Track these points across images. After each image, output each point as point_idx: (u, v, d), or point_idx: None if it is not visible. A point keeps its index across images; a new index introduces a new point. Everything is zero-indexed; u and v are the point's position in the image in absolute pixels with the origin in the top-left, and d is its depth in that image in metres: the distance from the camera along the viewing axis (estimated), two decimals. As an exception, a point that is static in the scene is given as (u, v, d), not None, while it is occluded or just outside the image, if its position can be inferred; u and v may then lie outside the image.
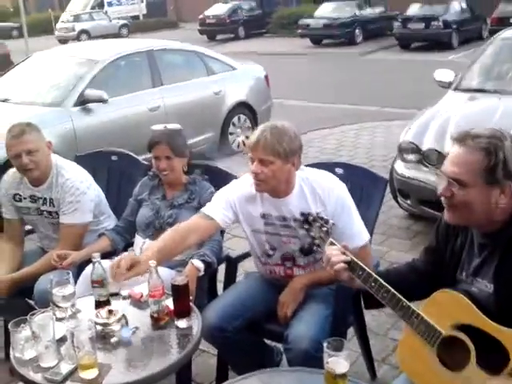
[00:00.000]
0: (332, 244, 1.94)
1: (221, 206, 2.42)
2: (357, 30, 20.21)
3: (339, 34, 20.00)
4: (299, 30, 20.95)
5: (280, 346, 2.61)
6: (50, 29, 29.69)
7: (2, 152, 4.71)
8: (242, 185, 2.48)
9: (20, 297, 2.87)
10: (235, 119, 7.33)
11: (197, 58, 7.18)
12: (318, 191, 2.36)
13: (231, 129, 7.31)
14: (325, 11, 20.97)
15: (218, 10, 24.86)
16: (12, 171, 3.08)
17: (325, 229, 2.01)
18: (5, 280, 2.80)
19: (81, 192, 2.92)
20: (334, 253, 1.89)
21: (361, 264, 1.84)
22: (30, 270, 2.85)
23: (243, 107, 7.39)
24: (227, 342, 2.40)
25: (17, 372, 1.94)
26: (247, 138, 7.42)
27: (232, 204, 2.44)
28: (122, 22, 29.68)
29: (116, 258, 2.22)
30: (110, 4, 32.27)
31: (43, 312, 2.04)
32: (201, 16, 24.86)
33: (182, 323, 2.11)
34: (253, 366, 2.02)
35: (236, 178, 2.87)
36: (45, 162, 2.92)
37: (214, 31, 24.55)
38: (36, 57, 6.99)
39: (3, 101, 6.03)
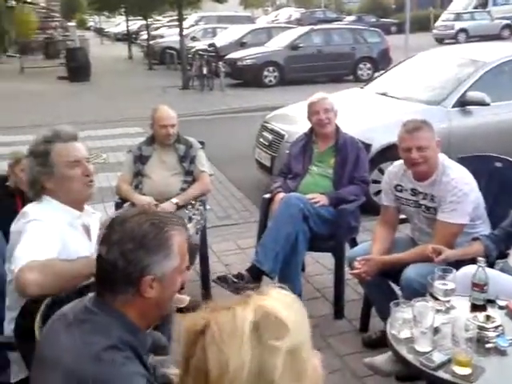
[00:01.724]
0: None
1: None
2: None
3: None
4: None
5: None
6: (426, 26, 30.25)
7: (380, 141, 5.15)
8: None
9: (384, 279, 3.07)
10: None
11: None
12: None
13: None
14: None
15: None
16: (399, 162, 3.22)
17: None
18: (377, 260, 3.00)
19: (463, 193, 2.93)
20: None
21: None
22: (401, 256, 2.98)
23: None
24: None
25: (392, 347, 2.12)
26: None
27: None
28: (505, 22, 28.19)
29: None
30: (495, 3, 30.94)
31: (422, 300, 2.16)
32: None
33: None
34: None
35: None
36: (433, 160, 3.00)
37: None
38: (420, 56, 7.26)
39: (382, 94, 6.53)
